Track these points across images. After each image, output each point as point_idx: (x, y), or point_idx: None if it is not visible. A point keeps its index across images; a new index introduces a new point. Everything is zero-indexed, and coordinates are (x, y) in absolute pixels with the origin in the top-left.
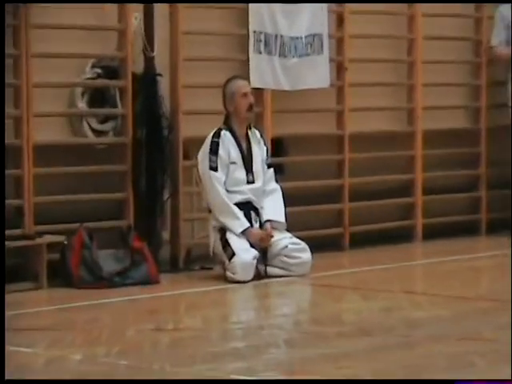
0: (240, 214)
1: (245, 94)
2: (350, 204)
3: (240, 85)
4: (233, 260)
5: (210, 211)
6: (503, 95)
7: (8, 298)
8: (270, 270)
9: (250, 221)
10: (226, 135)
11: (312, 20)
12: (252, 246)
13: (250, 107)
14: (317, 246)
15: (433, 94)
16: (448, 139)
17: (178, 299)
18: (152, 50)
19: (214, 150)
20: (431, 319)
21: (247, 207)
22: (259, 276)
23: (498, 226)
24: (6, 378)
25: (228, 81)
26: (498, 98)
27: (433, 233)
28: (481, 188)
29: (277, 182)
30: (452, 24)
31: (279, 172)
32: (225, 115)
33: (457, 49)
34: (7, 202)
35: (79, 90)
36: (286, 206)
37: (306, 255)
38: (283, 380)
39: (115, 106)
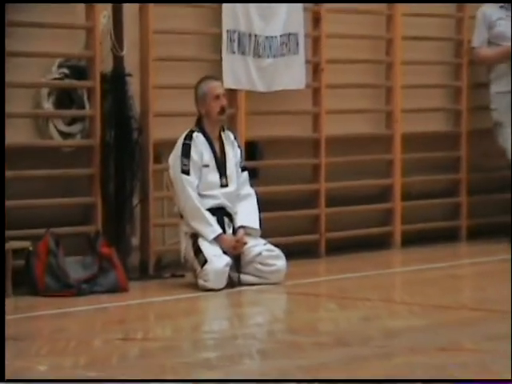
0: (212, 219)
1: (217, 96)
2: (326, 209)
3: (212, 86)
4: (205, 267)
5: (181, 216)
6: (485, 97)
7: None
8: (244, 277)
9: (222, 227)
10: (198, 137)
11: (288, 19)
12: (225, 252)
13: (222, 110)
14: (292, 252)
15: (412, 95)
16: (428, 143)
17: (148, 308)
18: (121, 50)
19: (186, 152)
20: (410, 329)
21: (220, 213)
22: (232, 284)
23: (478, 233)
24: None
25: (200, 81)
26: (480, 100)
27: (412, 239)
28: (461, 193)
29: (251, 186)
30: (432, 24)
31: (253, 176)
32: (197, 117)
33: (437, 49)
34: None
35: (45, 90)
36: (260, 212)
37: (281, 262)
38: (285, 380)
39: (83, 108)
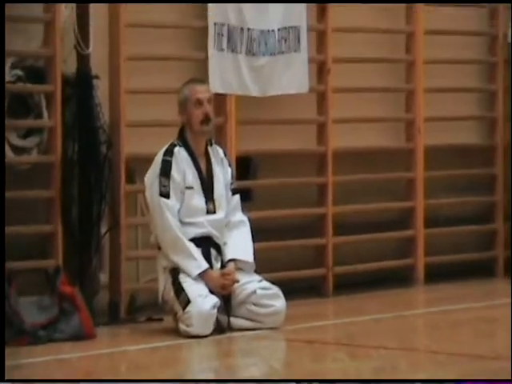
0: (197, 252)
1: (199, 101)
2: (333, 239)
3: (194, 90)
4: (188, 309)
5: (159, 248)
6: None
7: None
8: (235, 321)
9: (209, 260)
10: (180, 153)
11: (287, 9)
12: (212, 291)
13: (206, 118)
14: (293, 291)
15: (437, 101)
16: (456, 158)
17: (119, 359)
18: (87, 47)
19: (166, 171)
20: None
21: (206, 243)
22: (221, 329)
23: None
24: None
25: (183, 85)
26: None
27: (437, 274)
28: (497, 218)
29: (243, 211)
30: (461, 15)
31: (246, 199)
32: (180, 128)
33: (467, 45)
34: None
35: None
36: (254, 242)
37: (279, 303)
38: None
39: (40, 117)
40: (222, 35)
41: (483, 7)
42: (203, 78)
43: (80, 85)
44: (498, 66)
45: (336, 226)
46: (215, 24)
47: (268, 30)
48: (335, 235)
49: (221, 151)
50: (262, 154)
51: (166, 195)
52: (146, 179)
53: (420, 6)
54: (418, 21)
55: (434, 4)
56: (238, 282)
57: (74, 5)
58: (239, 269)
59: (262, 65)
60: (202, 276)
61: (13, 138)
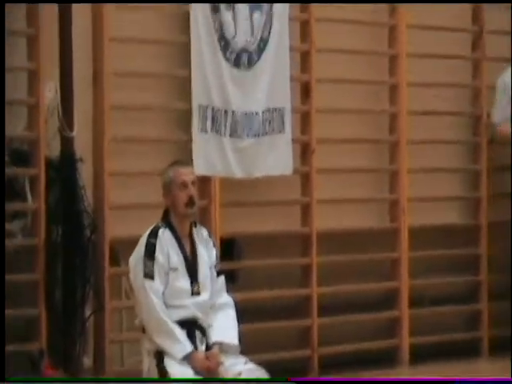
0: (181, 334)
1: (183, 184)
2: (318, 319)
3: (178, 172)
4: None
5: (143, 331)
6: (508, 183)
7: None
8: None
9: (194, 343)
10: (164, 235)
11: (271, 91)
12: (197, 373)
13: (190, 201)
14: (278, 372)
15: (421, 181)
16: (441, 238)
17: None
18: (71, 130)
19: (150, 253)
20: None
21: (191, 326)
22: None
23: (503, 346)
24: None
25: (167, 167)
26: (502, 186)
27: (422, 355)
28: (481, 299)
29: (228, 292)
30: (444, 95)
31: (230, 280)
32: (164, 210)
33: (450, 125)
34: None
35: None
36: (239, 323)
37: None
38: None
39: (25, 200)
40: (206, 117)
41: (466, 86)
42: (187, 160)
43: (64, 168)
44: (482, 146)
45: (321, 306)
46: (199, 106)
47: (252, 113)
48: (320, 316)
49: (205, 233)
50: (246, 235)
51: (151, 277)
52: (130, 261)
53: (402, 88)
54: (402, 101)
55: (417, 85)
56: (222, 364)
57: (57, 88)
58: (224, 351)
59: (246, 146)
60: (186, 358)
61: None
